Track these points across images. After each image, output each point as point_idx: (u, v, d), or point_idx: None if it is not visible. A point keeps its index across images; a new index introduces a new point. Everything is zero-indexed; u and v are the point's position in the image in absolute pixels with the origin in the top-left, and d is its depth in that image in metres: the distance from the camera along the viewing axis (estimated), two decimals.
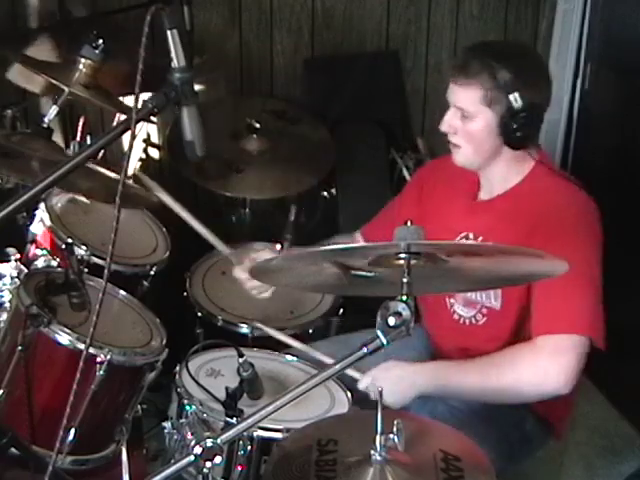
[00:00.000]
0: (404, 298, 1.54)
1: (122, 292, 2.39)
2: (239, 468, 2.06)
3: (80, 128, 2.91)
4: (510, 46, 2.15)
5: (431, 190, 2.40)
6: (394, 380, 2.15)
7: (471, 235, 2.26)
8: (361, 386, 2.19)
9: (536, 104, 2.12)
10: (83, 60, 2.52)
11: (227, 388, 2.07)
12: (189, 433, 2.10)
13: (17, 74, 2.69)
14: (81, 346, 2.03)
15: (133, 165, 3.24)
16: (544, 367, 2.08)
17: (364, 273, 1.67)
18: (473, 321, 2.29)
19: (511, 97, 2.08)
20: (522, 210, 2.18)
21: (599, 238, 2.14)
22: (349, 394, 2.23)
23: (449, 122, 2.19)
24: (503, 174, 2.23)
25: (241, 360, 2.10)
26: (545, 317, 2.11)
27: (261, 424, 1.82)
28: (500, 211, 2.22)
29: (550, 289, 2.08)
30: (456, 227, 2.29)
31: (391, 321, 1.53)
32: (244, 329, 2.59)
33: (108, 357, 2.06)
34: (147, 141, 3.26)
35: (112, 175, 2.53)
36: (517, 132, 2.11)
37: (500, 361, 2.13)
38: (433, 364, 2.21)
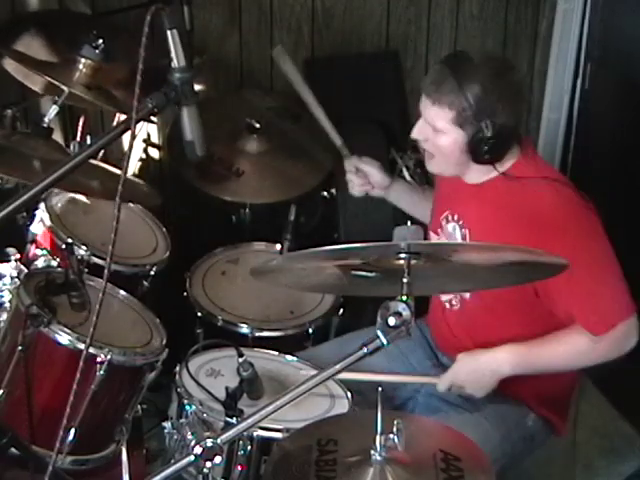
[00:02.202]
0: (404, 298, 1.54)
1: (122, 292, 2.39)
2: (239, 468, 2.06)
3: (80, 128, 2.91)
4: (487, 64, 2.12)
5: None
6: (476, 377, 2.20)
7: (455, 216, 2.28)
8: (442, 389, 2.23)
9: (507, 127, 2.11)
10: (83, 60, 2.52)
11: (227, 388, 2.07)
12: (189, 433, 2.11)
13: (15, 69, 2.69)
14: (81, 346, 2.03)
15: (133, 165, 3.25)
16: (620, 351, 2.17)
17: (364, 273, 1.67)
18: (450, 305, 2.33)
19: (482, 124, 2.08)
20: (504, 200, 2.18)
21: (592, 224, 2.15)
22: (349, 394, 2.23)
23: (419, 130, 2.20)
24: (477, 177, 2.24)
25: (241, 360, 2.10)
26: (593, 318, 2.13)
27: (261, 424, 1.82)
28: (479, 196, 2.23)
29: (578, 288, 2.10)
30: (441, 206, 2.34)
31: (391, 321, 1.53)
32: (244, 329, 2.59)
33: (108, 357, 2.06)
34: (147, 141, 3.26)
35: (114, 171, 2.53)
36: (486, 155, 2.12)
37: (574, 353, 2.19)
38: (508, 350, 2.21)
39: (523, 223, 2.11)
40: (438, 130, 2.14)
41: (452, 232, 2.28)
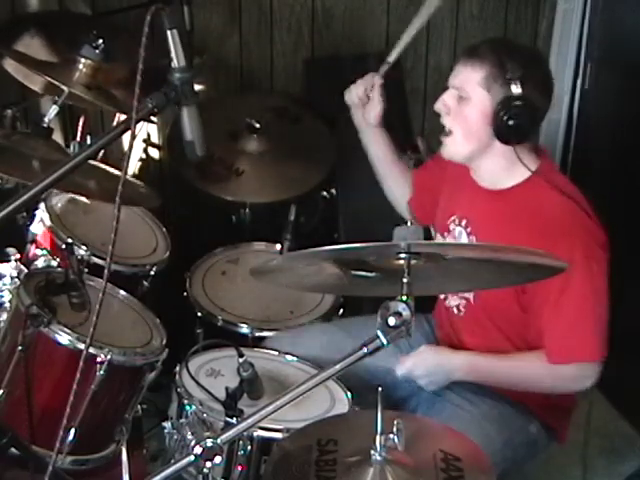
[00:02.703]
0: (404, 298, 1.54)
1: (122, 292, 2.39)
2: (239, 468, 2.06)
3: (80, 128, 2.91)
4: (525, 47, 2.20)
5: (449, 174, 2.41)
6: (432, 370, 2.24)
7: (463, 221, 2.27)
8: (399, 373, 2.24)
9: (534, 102, 2.11)
10: (83, 60, 2.52)
11: (227, 388, 2.07)
12: (189, 433, 2.11)
13: (14, 69, 2.69)
14: (81, 346, 2.03)
15: (133, 165, 3.25)
16: (569, 388, 2.24)
17: (364, 273, 1.67)
18: (457, 311, 2.33)
19: (512, 85, 2.07)
20: (518, 210, 2.17)
21: (598, 254, 2.13)
22: (349, 394, 2.23)
23: (444, 101, 2.19)
24: (491, 172, 2.22)
25: (241, 360, 2.10)
26: (563, 346, 2.15)
27: (261, 424, 1.82)
28: (496, 203, 2.22)
29: (559, 315, 2.12)
30: (449, 209, 2.33)
31: (391, 321, 1.53)
32: (244, 329, 2.59)
33: (108, 357, 2.06)
34: (147, 141, 3.26)
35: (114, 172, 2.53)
36: (509, 122, 2.09)
37: (527, 375, 2.23)
38: (466, 358, 2.26)
39: (534, 236, 2.09)
40: (464, 97, 2.14)
41: (458, 237, 2.28)
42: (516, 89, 2.08)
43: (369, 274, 1.67)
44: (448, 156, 2.24)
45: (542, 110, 2.16)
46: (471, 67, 2.13)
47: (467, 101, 2.14)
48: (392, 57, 2.58)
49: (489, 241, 2.16)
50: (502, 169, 2.20)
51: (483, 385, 2.27)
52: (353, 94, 2.53)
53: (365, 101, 2.52)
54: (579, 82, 3.47)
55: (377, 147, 2.58)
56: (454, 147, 2.21)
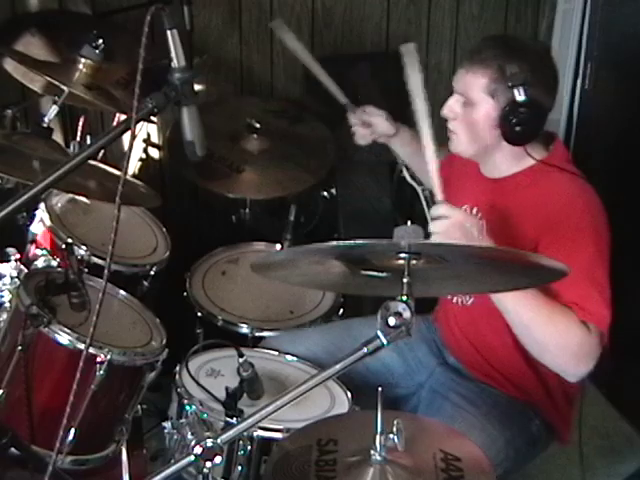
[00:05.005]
0: (404, 298, 1.54)
1: (122, 292, 2.39)
2: (239, 468, 2.06)
3: (80, 128, 2.91)
4: (529, 43, 2.17)
5: (455, 167, 2.40)
6: (463, 236, 2.00)
7: (474, 209, 2.25)
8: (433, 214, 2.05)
9: (539, 102, 2.10)
10: (83, 60, 2.52)
11: (227, 388, 2.07)
12: (189, 433, 2.11)
13: (14, 69, 2.69)
14: (81, 346, 2.03)
15: (133, 165, 3.25)
16: (587, 357, 2.03)
17: (376, 273, 1.66)
18: (464, 302, 2.31)
19: (515, 90, 2.07)
20: (523, 196, 2.16)
21: (605, 233, 2.13)
22: (349, 394, 2.23)
23: (451, 107, 2.19)
24: (499, 165, 2.22)
25: (241, 360, 2.10)
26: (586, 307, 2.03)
27: (261, 424, 1.82)
28: (501, 191, 2.21)
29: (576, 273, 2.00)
30: (460, 199, 2.27)
31: (391, 321, 1.53)
32: (244, 329, 2.59)
33: (108, 357, 2.06)
34: (147, 141, 3.26)
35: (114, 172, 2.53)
36: (516, 127, 2.09)
37: (558, 320, 2.01)
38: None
39: (544, 216, 2.09)
40: (469, 103, 2.14)
41: None
42: (520, 94, 2.07)
43: (380, 274, 1.66)
44: (455, 152, 2.26)
45: (548, 104, 2.15)
46: (473, 73, 2.12)
47: (473, 107, 2.14)
48: (342, 99, 2.66)
49: (499, 226, 2.14)
50: (510, 162, 2.20)
51: (483, 385, 2.27)
52: (362, 137, 2.58)
53: (372, 129, 2.56)
54: (579, 82, 3.47)
55: (406, 149, 2.61)
56: (460, 146, 2.22)
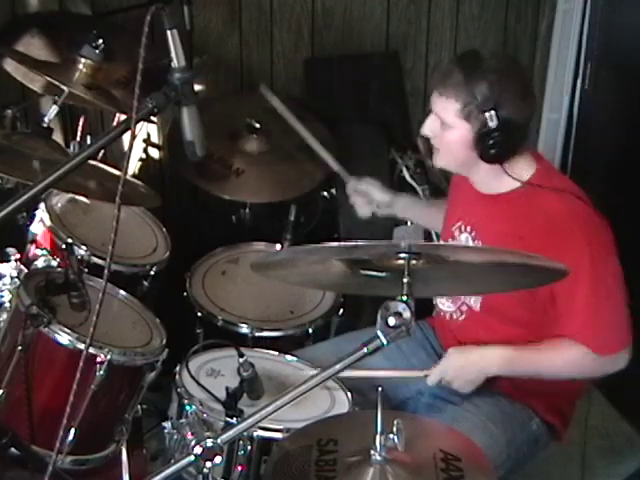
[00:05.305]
0: (404, 298, 1.54)
1: (122, 292, 2.39)
2: (239, 468, 2.06)
3: (80, 128, 2.91)
4: (497, 60, 2.13)
5: (457, 186, 2.42)
6: (465, 369, 2.22)
7: (464, 226, 2.27)
8: (431, 383, 2.23)
9: (513, 122, 2.09)
10: (83, 60, 2.52)
11: (227, 388, 2.07)
12: (189, 433, 2.10)
13: (14, 69, 2.69)
14: (81, 346, 2.03)
15: (133, 165, 3.25)
16: (607, 371, 2.20)
17: (376, 273, 1.66)
18: (454, 317, 2.32)
19: (487, 115, 2.07)
20: (516, 215, 2.17)
21: (607, 242, 2.14)
22: (349, 394, 2.23)
23: (429, 127, 2.20)
24: (484, 181, 2.23)
25: (241, 360, 2.10)
26: (603, 337, 2.14)
27: (261, 424, 1.82)
28: (495, 208, 2.22)
29: (580, 303, 2.11)
30: (454, 215, 2.34)
31: (391, 321, 1.53)
32: (244, 329, 2.59)
33: (108, 357, 2.06)
34: (147, 141, 3.26)
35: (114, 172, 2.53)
36: (491, 149, 2.11)
37: (570, 363, 2.19)
38: (500, 351, 2.21)
39: (538, 234, 2.09)
40: (446, 125, 2.14)
41: (464, 243, 2.28)
42: (492, 120, 2.07)
43: (380, 274, 1.66)
44: (440, 167, 2.29)
45: (525, 120, 2.15)
46: (446, 98, 2.11)
47: (449, 129, 2.15)
48: (335, 167, 2.73)
49: (493, 245, 2.15)
50: (495, 179, 2.20)
51: (482, 384, 2.27)
52: (361, 208, 2.62)
53: (370, 199, 2.59)
54: (579, 82, 3.47)
55: (410, 213, 2.68)
56: (442, 162, 2.25)
